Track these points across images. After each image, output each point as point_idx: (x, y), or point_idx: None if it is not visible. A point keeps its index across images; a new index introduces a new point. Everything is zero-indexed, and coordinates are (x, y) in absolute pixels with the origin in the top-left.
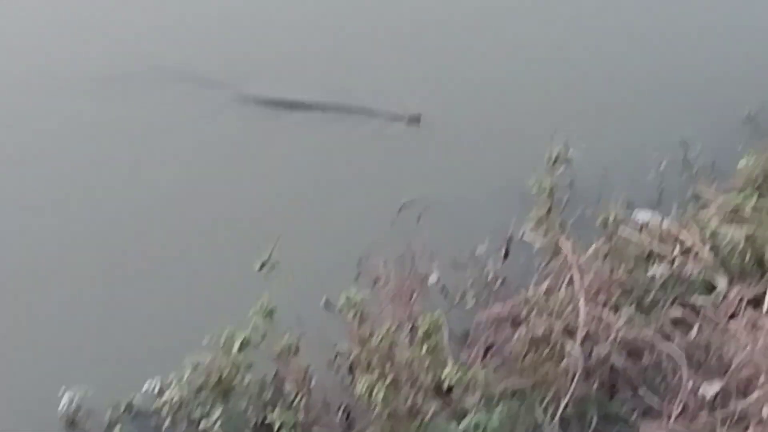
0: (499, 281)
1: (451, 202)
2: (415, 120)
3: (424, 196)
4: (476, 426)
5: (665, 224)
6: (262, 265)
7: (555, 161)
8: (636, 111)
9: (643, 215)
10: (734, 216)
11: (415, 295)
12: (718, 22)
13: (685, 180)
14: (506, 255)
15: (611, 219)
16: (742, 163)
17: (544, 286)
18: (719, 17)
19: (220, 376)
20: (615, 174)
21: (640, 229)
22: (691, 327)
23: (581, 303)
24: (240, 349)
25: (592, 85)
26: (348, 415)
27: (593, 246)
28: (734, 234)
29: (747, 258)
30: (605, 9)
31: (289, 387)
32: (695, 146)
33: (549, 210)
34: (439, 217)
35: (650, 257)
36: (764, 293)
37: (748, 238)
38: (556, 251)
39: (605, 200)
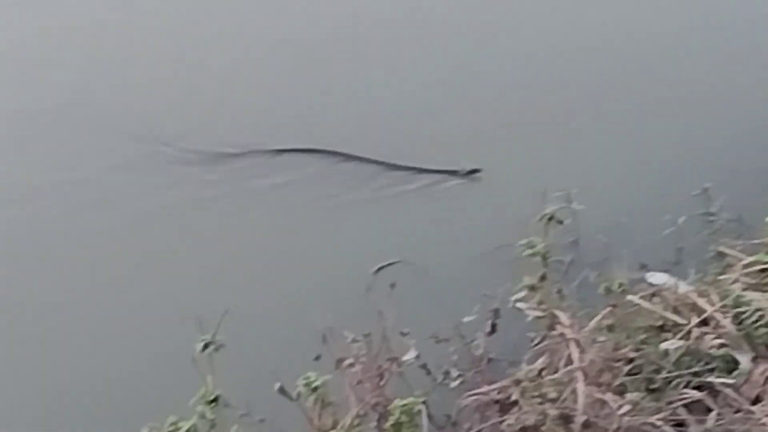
0: (487, 358)
1: (433, 266)
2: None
3: (402, 258)
4: None
5: (683, 289)
6: (206, 346)
7: (550, 218)
8: (651, 157)
9: (657, 278)
10: (762, 280)
11: (387, 377)
12: (745, 56)
13: (707, 237)
14: (493, 329)
15: (616, 285)
16: None
17: (538, 364)
18: (747, 52)
19: None
20: (626, 230)
21: (653, 295)
22: (709, 412)
23: (580, 385)
24: None
25: (600, 128)
26: None
27: (597, 317)
28: (761, 301)
29: None
30: (617, 46)
31: None
32: (718, 198)
33: (543, 276)
34: (419, 284)
35: (663, 329)
36: None
37: None
38: (553, 323)
39: (615, 261)
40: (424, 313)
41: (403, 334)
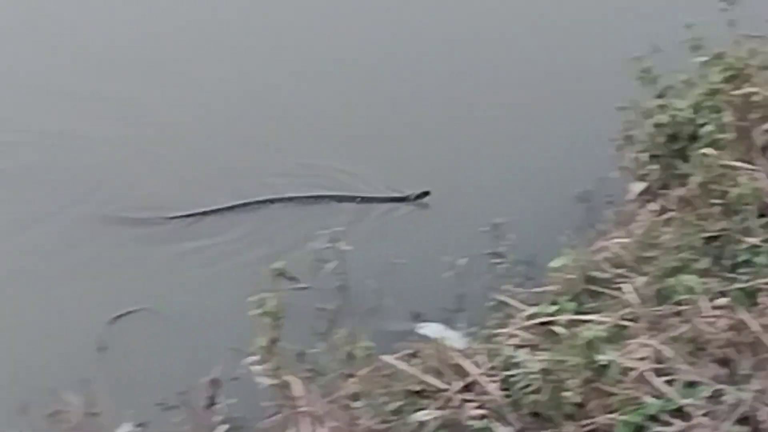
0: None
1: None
2: None
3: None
4: None
5: (457, 344)
6: None
7: (279, 273)
8: (434, 185)
9: (430, 330)
10: (542, 335)
11: None
12: (549, 82)
13: (491, 281)
14: (211, 402)
15: (361, 350)
16: (556, 263)
17: None
18: (552, 77)
19: None
20: (401, 273)
21: (413, 355)
22: None
23: None
24: None
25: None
26: None
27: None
28: (533, 363)
29: (544, 396)
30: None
31: None
32: (508, 235)
33: (274, 339)
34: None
35: (422, 395)
36: None
37: (547, 370)
38: (289, 393)
39: (387, 308)
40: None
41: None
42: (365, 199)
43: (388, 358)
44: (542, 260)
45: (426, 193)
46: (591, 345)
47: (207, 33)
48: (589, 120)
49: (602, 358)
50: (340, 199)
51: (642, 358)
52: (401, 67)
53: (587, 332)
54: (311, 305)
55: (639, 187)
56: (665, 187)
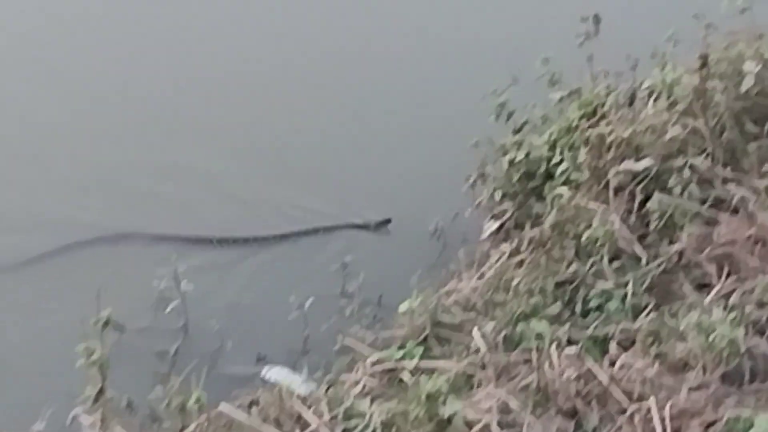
0: None
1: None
2: None
3: None
4: None
5: (303, 388)
6: None
7: (105, 323)
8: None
9: (275, 374)
10: (389, 381)
11: None
12: (404, 111)
13: (339, 323)
14: None
15: (193, 402)
16: (404, 306)
17: None
18: (411, 110)
19: None
20: (246, 314)
21: (251, 404)
22: None
23: None
24: None
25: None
26: None
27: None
28: (375, 413)
29: None
30: None
31: None
32: (357, 275)
33: (101, 389)
34: None
35: None
36: None
37: (388, 423)
38: None
39: (231, 350)
40: None
41: None
42: (326, 229)
43: (226, 407)
44: (394, 300)
45: (388, 221)
46: (432, 397)
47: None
48: (447, 155)
49: (446, 410)
50: (304, 233)
51: (487, 410)
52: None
53: (429, 384)
54: (153, 346)
55: (492, 226)
56: (519, 226)
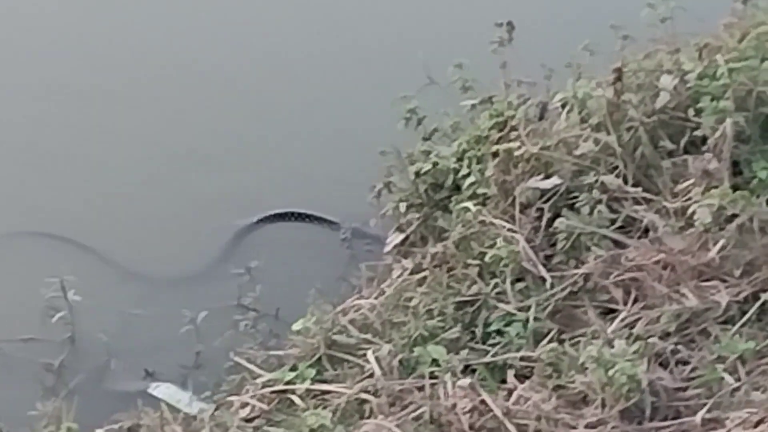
0: None
1: None
2: None
3: None
4: None
5: (191, 407)
6: None
7: None
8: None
9: (162, 391)
10: (280, 404)
11: None
12: (313, 115)
13: (233, 338)
14: None
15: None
16: (297, 325)
17: None
18: (315, 114)
19: None
20: (136, 326)
21: (130, 430)
22: None
23: None
24: None
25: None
26: None
27: None
28: None
29: None
30: None
31: None
32: (256, 286)
33: None
34: None
35: None
36: None
37: None
38: None
39: (119, 365)
40: None
41: None
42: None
43: None
44: (293, 315)
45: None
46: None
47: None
48: (358, 162)
49: None
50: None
51: None
52: None
53: (311, 418)
54: (38, 357)
55: (396, 238)
56: (424, 240)
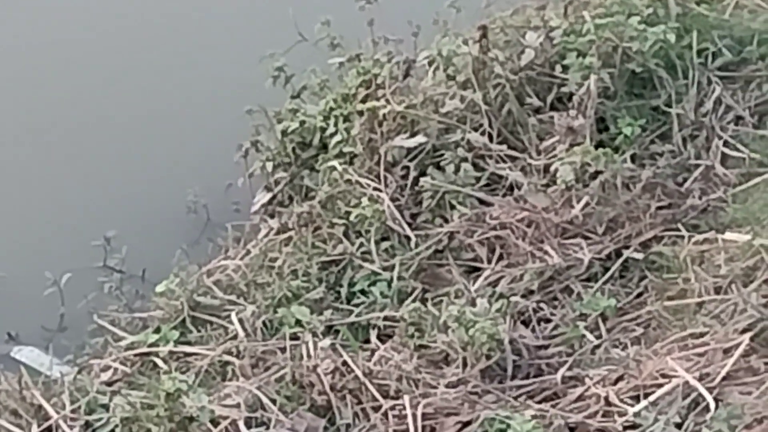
0: None
1: None
2: None
3: None
4: None
5: (54, 371)
6: None
7: None
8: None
9: (26, 355)
10: (143, 367)
11: None
12: (176, 75)
13: (98, 301)
14: None
15: None
16: (161, 287)
17: None
18: (179, 70)
19: None
20: None
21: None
22: None
23: None
24: None
25: None
26: None
27: None
28: (121, 407)
29: None
30: None
31: None
32: (119, 247)
33: None
34: None
35: None
36: None
37: (130, 419)
38: None
39: None
40: None
41: None
42: None
43: None
44: (158, 277)
45: None
46: (172, 397)
47: None
48: (222, 121)
49: (191, 405)
50: None
51: (236, 405)
52: None
53: (168, 382)
54: None
55: (263, 198)
56: (292, 199)
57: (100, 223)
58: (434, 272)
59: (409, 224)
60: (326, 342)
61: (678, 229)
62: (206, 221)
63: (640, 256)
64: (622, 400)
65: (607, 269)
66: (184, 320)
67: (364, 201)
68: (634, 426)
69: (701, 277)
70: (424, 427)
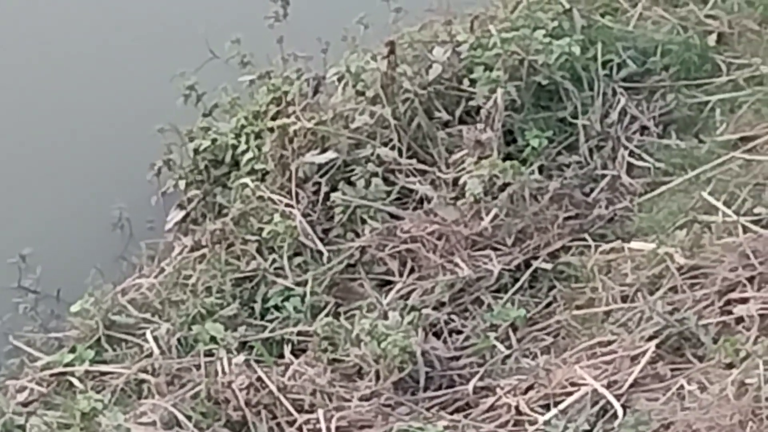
0: None
1: None
2: None
3: None
4: None
5: None
6: None
7: None
8: None
9: None
10: (59, 387)
11: None
12: (86, 93)
13: (14, 321)
14: None
15: None
16: (76, 306)
17: None
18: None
19: None
20: None
21: None
22: None
23: None
24: None
25: None
26: None
27: None
28: (37, 427)
29: None
30: None
31: None
32: (34, 266)
33: None
34: None
35: None
36: None
37: None
38: None
39: None
40: None
41: None
42: None
43: None
44: (74, 296)
45: None
46: (88, 416)
47: None
48: (137, 139)
49: (107, 424)
50: None
51: (152, 423)
52: None
53: (84, 402)
54: None
55: (177, 216)
56: (205, 217)
57: (12, 242)
58: (347, 286)
59: (321, 239)
60: (240, 358)
61: (585, 239)
62: (129, 237)
63: (548, 266)
64: (532, 409)
65: (516, 280)
66: (99, 339)
67: (277, 217)
68: None
69: (608, 286)
70: None
